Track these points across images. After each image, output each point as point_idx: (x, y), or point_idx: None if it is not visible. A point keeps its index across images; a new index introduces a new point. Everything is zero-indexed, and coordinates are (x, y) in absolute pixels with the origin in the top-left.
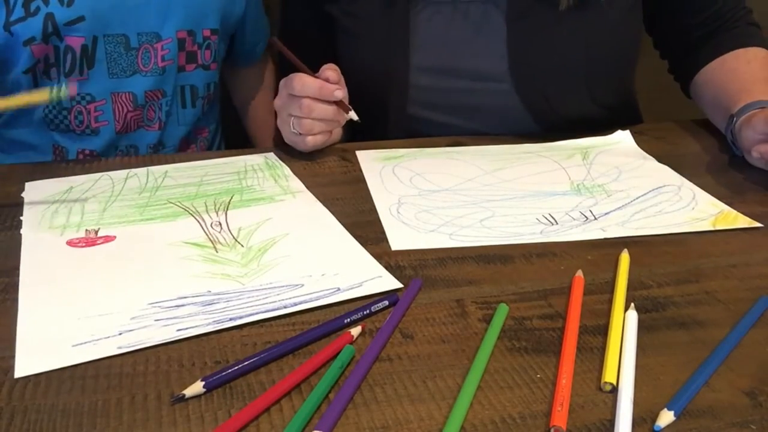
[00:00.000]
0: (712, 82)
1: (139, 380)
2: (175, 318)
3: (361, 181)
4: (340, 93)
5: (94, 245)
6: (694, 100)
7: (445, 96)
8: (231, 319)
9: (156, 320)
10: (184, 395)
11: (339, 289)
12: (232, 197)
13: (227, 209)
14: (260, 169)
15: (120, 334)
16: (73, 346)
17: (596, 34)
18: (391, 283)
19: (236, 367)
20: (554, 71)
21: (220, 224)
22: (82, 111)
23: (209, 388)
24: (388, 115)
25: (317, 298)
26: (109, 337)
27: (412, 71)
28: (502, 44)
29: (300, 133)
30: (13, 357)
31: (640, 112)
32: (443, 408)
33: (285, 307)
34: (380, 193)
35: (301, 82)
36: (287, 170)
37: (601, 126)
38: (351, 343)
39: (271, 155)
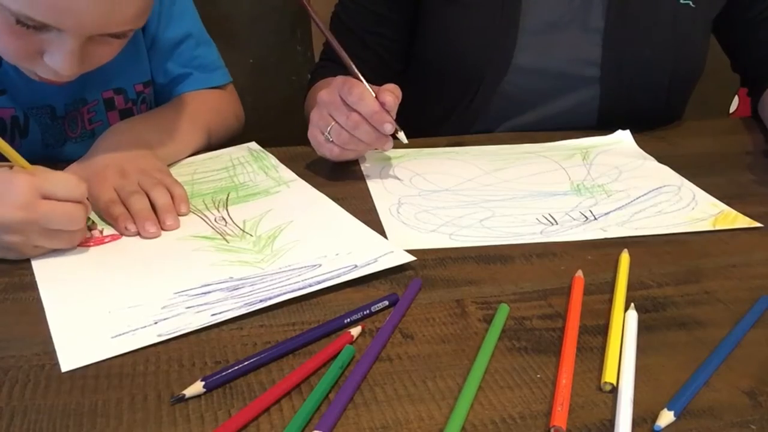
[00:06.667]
0: None
1: (139, 380)
2: (206, 304)
3: (361, 181)
4: (390, 127)
5: (102, 243)
6: (762, 113)
7: (538, 79)
8: (261, 301)
9: (187, 308)
10: (184, 395)
11: (356, 266)
12: (228, 195)
13: (227, 206)
14: (247, 162)
15: (156, 323)
16: (113, 337)
17: (687, 38)
18: (403, 257)
19: (236, 367)
20: (644, 65)
21: (224, 219)
22: None
23: (209, 388)
24: (480, 90)
25: (337, 276)
26: (145, 326)
27: (517, 49)
28: (599, 32)
29: (332, 141)
30: (12, 356)
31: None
32: (443, 408)
33: (310, 285)
34: (380, 193)
35: (360, 95)
36: (273, 159)
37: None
38: (351, 343)
39: (254, 144)
